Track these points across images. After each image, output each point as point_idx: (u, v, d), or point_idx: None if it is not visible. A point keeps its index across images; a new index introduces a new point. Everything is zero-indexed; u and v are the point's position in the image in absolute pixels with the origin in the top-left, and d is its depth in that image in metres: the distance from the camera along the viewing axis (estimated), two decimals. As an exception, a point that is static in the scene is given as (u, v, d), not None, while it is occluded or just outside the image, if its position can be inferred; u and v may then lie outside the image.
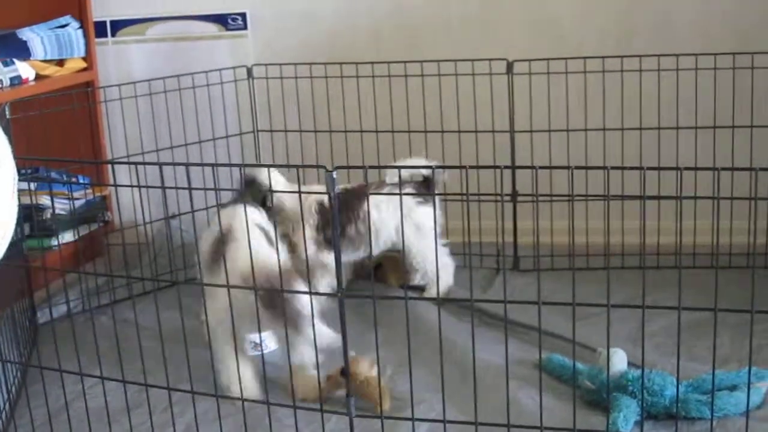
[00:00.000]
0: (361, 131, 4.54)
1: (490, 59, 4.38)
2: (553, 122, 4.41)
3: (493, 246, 4.45)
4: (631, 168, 2.24)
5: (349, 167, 2.51)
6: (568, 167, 2.24)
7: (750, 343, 2.36)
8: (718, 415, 2.99)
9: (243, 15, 5.13)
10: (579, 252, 4.13)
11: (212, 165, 2.69)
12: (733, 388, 3.11)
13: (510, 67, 4.37)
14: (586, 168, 2.32)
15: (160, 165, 2.68)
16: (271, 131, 4.77)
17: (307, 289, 2.79)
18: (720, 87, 4.24)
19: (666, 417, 3.01)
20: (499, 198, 4.16)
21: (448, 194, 4.01)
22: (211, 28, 5.17)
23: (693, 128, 4.27)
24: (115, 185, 2.83)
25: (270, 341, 3.77)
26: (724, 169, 2.22)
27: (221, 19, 5.15)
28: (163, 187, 2.64)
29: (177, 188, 2.70)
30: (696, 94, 4.25)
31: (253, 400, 2.68)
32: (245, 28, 5.13)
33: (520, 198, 4.31)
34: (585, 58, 4.32)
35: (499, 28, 4.89)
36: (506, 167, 2.46)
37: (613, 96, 4.33)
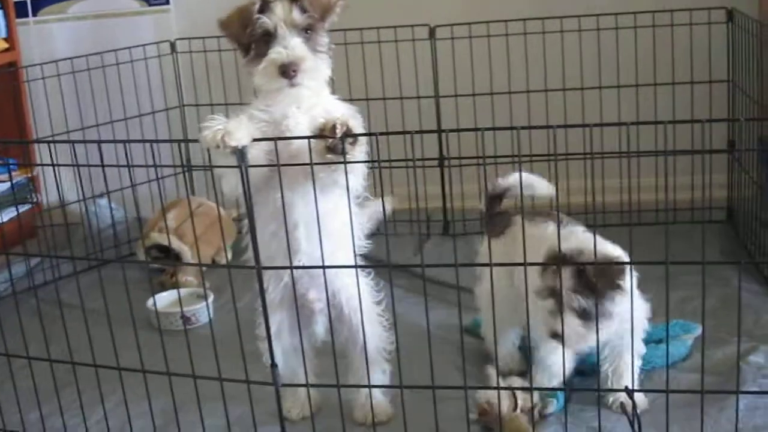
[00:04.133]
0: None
1: (412, 25, 4.40)
2: (478, 86, 4.43)
3: (422, 212, 4.49)
4: (542, 127, 2.26)
5: (267, 139, 2.50)
6: (481, 129, 2.26)
7: (666, 295, 2.37)
8: (645, 368, 3.03)
9: (165, -11, 5.11)
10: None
11: (150, 141, 2.70)
12: (659, 341, 3.15)
13: (432, 32, 4.38)
14: (494, 129, 2.33)
15: (99, 143, 2.66)
16: (197, 105, 4.75)
17: None
18: (641, 45, 4.28)
19: (593, 372, 3.04)
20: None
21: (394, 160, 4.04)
22: (133, 4, 5.13)
23: (616, 87, 4.31)
24: (54, 165, 2.79)
25: (202, 314, 3.78)
26: (636, 123, 2.24)
27: (143, -6, 5.13)
28: (103, 165, 2.61)
29: (117, 166, 2.69)
30: (617, 52, 4.28)
31: (179, 374, 2.67)
32: (167, 2, 5.10)
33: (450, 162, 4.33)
34: (506, 21, 4.34)
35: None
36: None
37: (535, 58, 4.36)
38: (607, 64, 4.34)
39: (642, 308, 2.85)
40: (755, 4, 4.45)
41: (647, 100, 4.25)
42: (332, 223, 2.68)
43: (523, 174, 2.95)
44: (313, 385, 2.80)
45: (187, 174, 4.85)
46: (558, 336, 2.64)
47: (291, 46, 2.58)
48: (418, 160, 2.45)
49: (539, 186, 3.10)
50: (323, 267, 2.56)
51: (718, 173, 4.29)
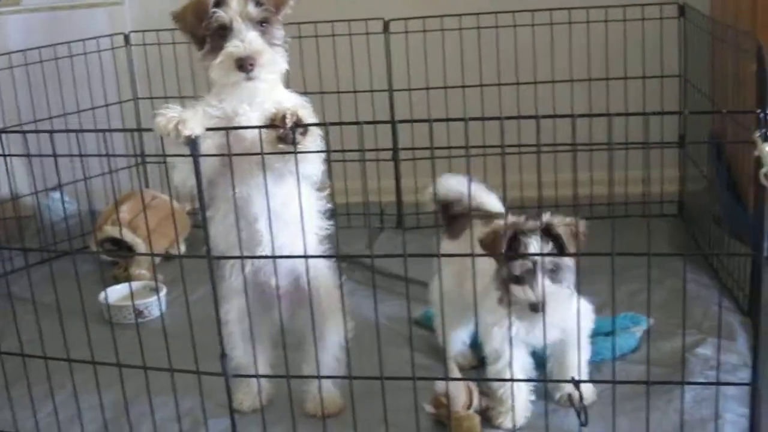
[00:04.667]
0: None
1: (366, 19, 4.41)
2: (431, 80, 4.44)
3: (376, 205, 4.52)
4: (491, 118, 2.28)
5: (220, 128, 2.51)
6: (428, 120, 2.27)
7: (612, 287, 2.39)
8: (595, 360, 3.04)
9: (119, -18, 5.09)
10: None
11: (102, 131, 2.68)
12: (609, 333, 3.17)
13: (386, 26, 4.40)
14: (448, 120, 2.34)
15: (51, 132, 2.66)
16: (151, 98, 4.72)
17: None
18: (593, 39, 4.31)
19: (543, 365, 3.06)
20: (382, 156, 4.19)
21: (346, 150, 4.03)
22: (88, -4, 5.11)
23: (569, 81, 4.34)
24: (4, 155, 2.78)
25: (155, 308, 3.77)
26: (580, 115, 2.25)
27: (98, -14, 5.10)
28: (55, 156, 2.61)
29: (69, 156, 2.68)
30: (570, 47, 4.31)
31: (129, 366, 2.68)
32: (121, -6, 5.09)
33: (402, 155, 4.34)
34: (460, 15, 4.36)
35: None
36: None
37: (489, 52, 4.37)
38: (560, 59, 4.37)
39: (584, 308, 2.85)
40: (707, 0, 4.49)
41: (600, 95, 4.28)
42: (291, 211, 2.68)
43: (472, 186, 2.96)
44: (262, 376, 2.81)
45: (141, 166, 4.83)
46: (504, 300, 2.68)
47: (248, 39, 2.60)
48: (370, 150, 2.46)
49: (488, 200, 3.11)
50: (274, 257, 2.57)
51: (669, 168, 4.33)
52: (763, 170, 2.14)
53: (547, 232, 2.64)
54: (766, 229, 2.30)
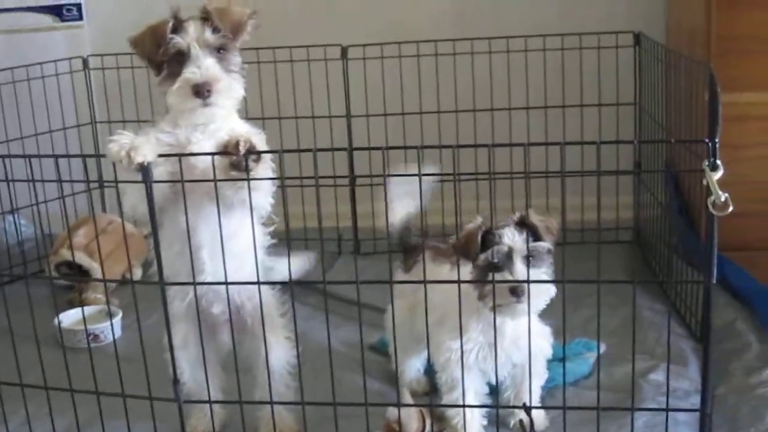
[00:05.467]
0: (198, 121, 4.52)
1: (324, 45, 4.43)
2: (389, 106, 4.46)
3: (334, 231, 4.53)
4: (445, 146, 2.30)
5: (172, 155, 2.51)
6: (382, 148, 2.28)
7: (563, 313, 2.42)
8: (549, 385, 3.05)
9: (78, 5, 5.07)
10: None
11: (56, 156, 2.68)
12: (562, 359, 3.18)
13: (344, 52, 4.41)
14: (403, 147, 2.37)
15: (4, 158, 2.71)
16: (109, 122, 4.72)
17: None
18: (549, 67, 4.34)
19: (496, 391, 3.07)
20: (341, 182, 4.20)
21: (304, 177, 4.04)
22: (46, 20, 5.09)
23: (525, 108, 4.36)
24: None
25: (109, 332, 3.75)
26: (533, 144, 2.27)
27: (56, 10, 5.08)
28: (8, 180, 2.63)
29: (23, 181, 2.68)
30: (527, 74, 4.33)
31: (81, 391, 2.67)
32: (81, 18, 5.07)
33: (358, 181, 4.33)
34: (418, 42, 4.38)
35: (333, 13, 4.97)
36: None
37: (446, 79, 4.40)
38: (516, 86, 4.40)
39: (543, 333, 2.87)
40: (662, 29, 4.55)
41: (556, 122, 4.31)
42: (237, 244, 2.70)
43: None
44: (215, 401, 2.80)
45: (97, 191, 4.81)
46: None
47: (205, 66, 2.60)
48: (323, 177, 2.46)
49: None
50: (226, 283, 2.58)
51: (625, 194, 4.37)
52: (711, 199, 2.17)
53: (521, 224, 2.65)
54: (716, 257, 2.32)
